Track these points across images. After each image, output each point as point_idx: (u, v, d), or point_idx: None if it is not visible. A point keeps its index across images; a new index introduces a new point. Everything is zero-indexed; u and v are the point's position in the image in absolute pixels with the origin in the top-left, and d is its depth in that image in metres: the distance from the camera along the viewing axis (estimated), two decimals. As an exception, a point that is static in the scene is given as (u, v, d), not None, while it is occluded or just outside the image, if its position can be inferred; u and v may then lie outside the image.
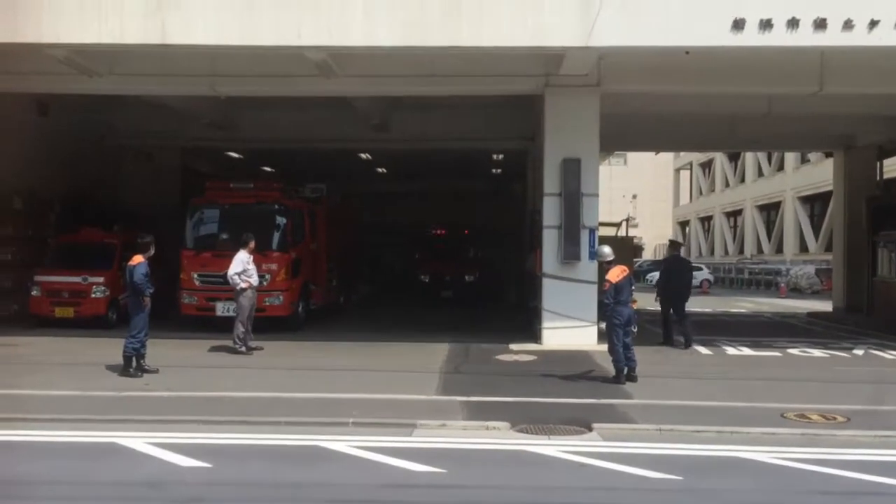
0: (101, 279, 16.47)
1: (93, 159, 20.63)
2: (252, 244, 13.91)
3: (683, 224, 69.59)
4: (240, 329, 13.41)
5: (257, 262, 15.73)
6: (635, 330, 11.46)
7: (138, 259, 11.35)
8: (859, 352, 14.94)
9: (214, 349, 13.76)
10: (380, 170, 30.78)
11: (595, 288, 14.82)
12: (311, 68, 14.22)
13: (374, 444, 7.87)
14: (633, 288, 11.63)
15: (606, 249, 11.69)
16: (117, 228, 17.67)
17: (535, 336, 15.31)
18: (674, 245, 17.65)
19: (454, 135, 22.05)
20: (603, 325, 11.42)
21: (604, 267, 11.58)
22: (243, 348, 13.36)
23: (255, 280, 13.83)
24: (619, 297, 11.12)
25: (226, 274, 13.75)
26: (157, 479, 6.77)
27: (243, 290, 13.49)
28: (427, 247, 26.85)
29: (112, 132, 21.51)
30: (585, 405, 9.73)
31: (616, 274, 11.21)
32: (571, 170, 14.85)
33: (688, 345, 14.92)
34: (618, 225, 26.55)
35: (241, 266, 13.60)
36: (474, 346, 14.73)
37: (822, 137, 24.12)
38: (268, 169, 29.48)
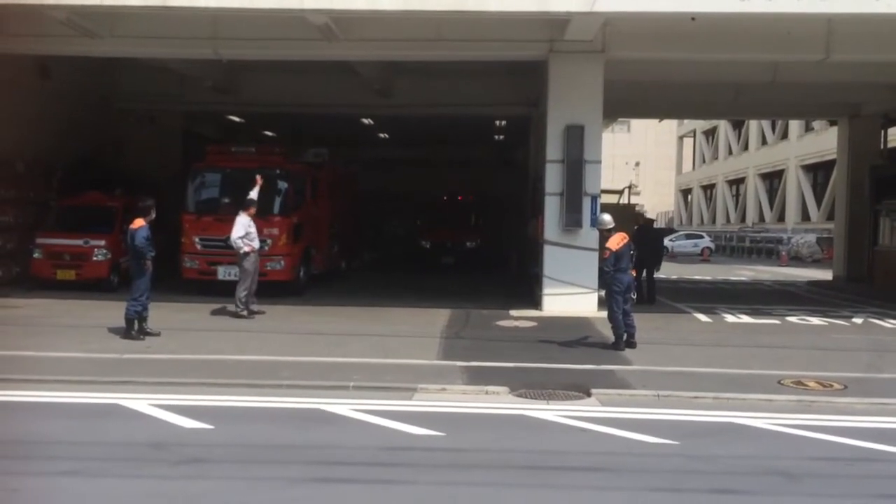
0: (102, 242, 16.50)
1: (95, 123, 20.54)
2: (253, 208, 13.90)
3: (686, 192, 69.47)
4: (242, 293, 13.45)
5: (259, 227, 15.73)
6: (634, 296, 11.52)
7: (140, 223, 11.36)
8: (858, 320, 15.00)
9: (216, 312, 13.83)
10: (382, 135, 30.68)
11: (596, 255, 14.85)
12: (313, 32, 14.10)
13: (374, 408, 7.96)
14: (633, 254, 11.66)
15: (606, 217, 11.66)
16: (119, 192, 17.66)
17: (536, 302, 15.37)
18: (640, 217, 17.63)
19: (457, 101, 21.94)
20: (603, 293, 11.45)
21: (604, 235, 11.57)
22: (245, 312, 13.42)
23: (256, 244, 13.84)
24: (619, 265, 11.15)
25: (227, 238, 13.77)
26: (160, 440, 6.86)
27: (246, 254, 13.53)
28: (429, 213, 26.80)
29: (114, 95, 21.40)
30: (584, 371, 9.81)
31: (616, 241, 11.22)
32: (574, 136, 14.80)
33: (651, 301, 16.21)
34: (620, 192, 26.57)
35: (243, 230, 13.61)
36: (475, 311, 14.80)
37: (826, 106, 23.99)
38: (270, 133, 29.40)
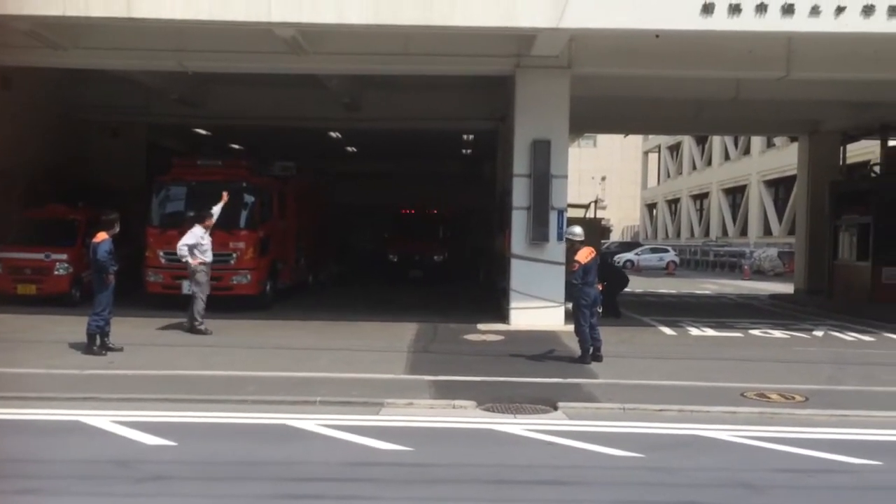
0: (64, 256, 16.25)
1: (58, 134, 20.26)
2: (210, 221, 13.61)
3: (651, 206, 70.28)
4: (200, 306, 13.16)
5: (225, 241, 15.67)
6: (600, 311, 11.58)
7: (102, 236, 11.20)
8: (819, 333, 15.26)
9: (180, 327, 13.65)
10: (350, 149, 30.64)
11: (563, 269, 14.95)
12: (281, 45, 14.08)
13: (341, 423, 7.91)
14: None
15: (577, 230, 11.67)
16: (82, 205, 17.41)
17: (503, 316, 15.42)
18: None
19: (425, 115, 22.02)
20: (570, 306, 11.49)
21: (574, 247, 11.51)
22: (203, 326, 13.11)
23: (208, 257, 13.51)
24: (587, 279, 11.20)
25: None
26: (122, 458, 6.75)
27: (192, 266, 13.22)
28: (396, 226, 26.71)
29: (78, 107, 21.13)
30: (551, 384, 9.84)
31: (585, 255, 11.26)
32: (541, 151, 14.92)
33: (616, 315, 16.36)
34: (586, 206, 26.72)
35: (194, 240, 13.28)
36: (442, 325, 14.79)
37: (787, 122, 24.45)
38: (236, 146, 29.21)
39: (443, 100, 21.29)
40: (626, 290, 18.43)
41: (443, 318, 15.60)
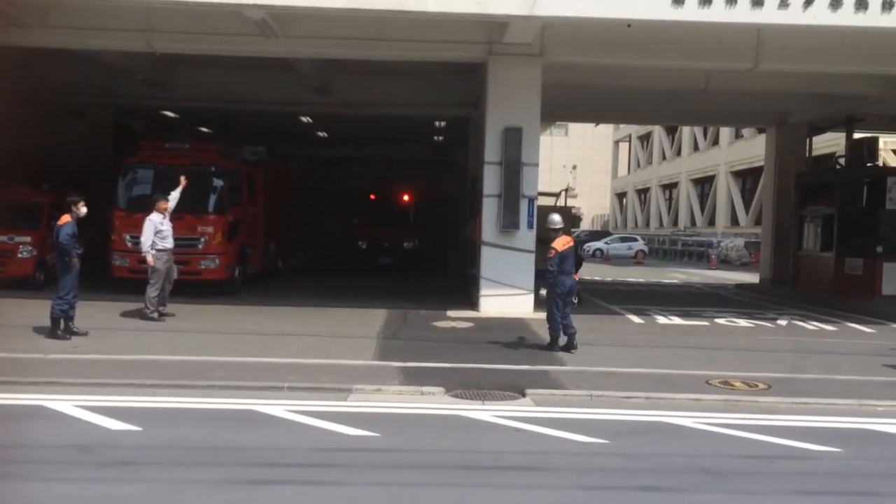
0: (28, 239, 15.98)
1: (21, 115, 19.83)
2: (164, 204, 13.25)
3: (621, 195, 70.74)
4: (153, 293, 12.89)
5: (193, 225, 15.52)
6: (576, 301, 11.53)
7: (66, 219, 11.03)
8: (783, 322, 15.51)
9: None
10: (321, 134, 30.42)
11: (532, 257, 15.03)
12: (250, 28, 13.92)
13: (309, 409, 7.89)
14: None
15: (556, 217, 11.58)
16: (46, 187, 17.11)
17: (473, 303, 15.46)
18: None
19: (397, 100, 21.91)
20: (543, 293, 11.46)
21: (550, 235, 11.43)
22: (155, 314, 12.88)
23: (169, 244, 13.21)
24: (563, 267, 11.15)
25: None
26: (85, 442, 6.68)
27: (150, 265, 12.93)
28: (365, 212, 26.52)
29: (43, 88, 20.70)
30: (519, 371, 9.90)
31: (562, 243, 11.22)
32: (512, 139, 14.93)
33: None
34: (557, 195, 26.80)
35: (153, 230, 12.94)
36: (412, 312, 14.80)
37: (755, 114, 24.72)
38: (205, 130, 28.86)
39: (415, 86, 21.19)
40: (596, 278, 18.59)
41: (413, 305, 15.61)
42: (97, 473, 6.01)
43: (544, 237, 15.17)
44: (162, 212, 13.21)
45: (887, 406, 8.77)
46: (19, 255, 15.97)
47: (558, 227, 11.42)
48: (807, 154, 23.22)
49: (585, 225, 64.18)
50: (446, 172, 30.49)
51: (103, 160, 22.06)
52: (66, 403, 7.81)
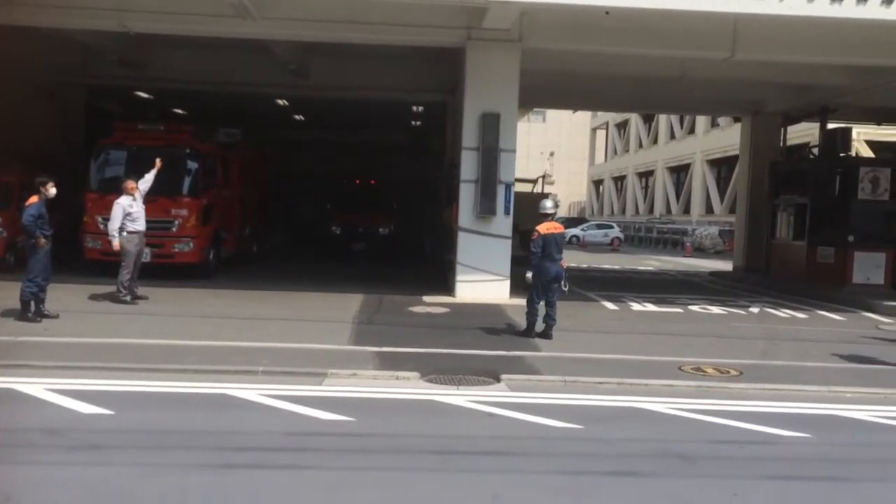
0: (-3, 220, 15.73)
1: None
2: (131, 185, 13.02)
3: (598, 183, 71.04)
4: (124, 276, 12.74)
5: (167, 207, 15.38)
6: (566, 289, 11.33)
7: (33, 200, 10.86)
8: (755, 310, 15.68)
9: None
10: (297, 117, 30.20)
11: (509, 243, 15.06)
12: (226, 8, 13.73)
13: (283, 393, 7.87)
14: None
15: (548, 203, 11.48)
16: (15, 167, 16.82)
17: (449, 289, 15.47)
18: None
19: (374, 84, 21.73)
20: (529, 276, 11.19)
21: (539, 220, 11.27)
22: (128, 297, 12.75)
23: (140, 226, 13.05)
24: (548, 251, 10.97)
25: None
26: (57, 426, 6.61)
27: (116, 247, 12.76)
28: (340, 197, 25.91)
29: (13, 66, 20.29)
30: (494, 357, 9.94)
31: (545, 227, 11.04)
32: (490, 124, 14.91)
33: None
34: (534, 181, 26.89)
35: (122, 214, 12.74)
36: (388, 297, 14.78)
37: (731, 103, 24.86)
38: (180, 111, 28.52)
39: (392, 70, 21.06)
40: (572, 265, 18.65)
41: (388, 290, 15.59)
42: (68, 457, 5.95)
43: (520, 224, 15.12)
44: (131, 193, 13.01)
45: (855, 392, 8.91)
46: (-12, 237, 15.72)
47: (549, 212, 11.29)
48: (781, 143, 23.45)
49: (562, 212, 64.31)
50: (424, 157, 30.42)
51: (75, 141, 21.74)
52: (36, 386, 7.72)
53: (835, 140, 20.88)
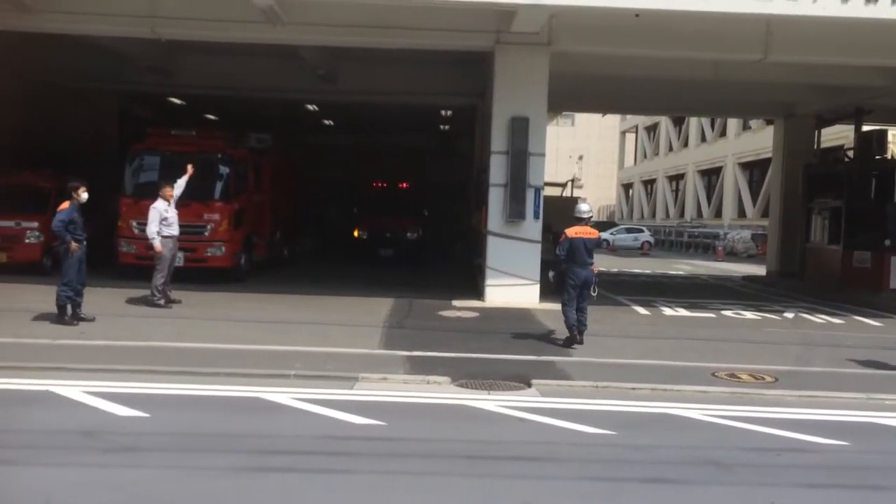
0: (35, 224, 16.01)
1: (27, 101, 19.84)
2: (169, 191, 13.22)
3: (627, 186, 70.57)
4: (158, 280, 12.88)
5: (200, 212, 15.54)
6: (594, 294, 11.09)
7: (64, 206, 11.03)
8: (789, 315, 15.46)
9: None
10: (327, 122, 30.39)
11: (539, 247, 15.01)
12: (256, 15, 13.87)
13: (315, 397, 7.90)
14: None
15: (584, 206, 11.27)
16: (52, 172, 17.12)
17: (479, 293, 15.44)
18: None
19: (403, 89, 21.85)
20: (550, 275, 10.98)
21: (572, 223, 11.01)
22: (161, 300, 12.88)
23: (175, 230, 13.21)
24: (575, 256, 10.75)
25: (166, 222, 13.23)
26: (92, 428, 6.69)
27: (156, 253, 12.95)
28: (367, 201, 25.32)
29: (48, 73, 20.69)
30: (525, 361, 9.89)
31: (575, 230, 10.80)
32: (519, 128, 14.88)
33: None
34: (563, 185, 26.78)
35: (159, 218, 12.92)
36: (417, 301, 14.79)
37: (764, 105, 24.59)
38: (211, 117, 28.85)
39: (421, 74, 21.13)
40: (602, 269, 18.54)
41: (418, 294, 15.59)
42: (104, 459, 6.02)
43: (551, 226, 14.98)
44: (167, 199, 13.21)
45: (895, 400, 8.73)
46: (26, 241, 16.01)
47: (584, 216, 11.03)
48: (815, 146, 23.12)
49: (592, 216, 63.98)
50: (453, 161, 30.42)
51: (109, 146, 22.07)
52: (73, 389, 7.83)
53: (870, 142, 20.53)
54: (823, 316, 15.37)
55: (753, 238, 38.19)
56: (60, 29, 15.89)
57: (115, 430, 6.71)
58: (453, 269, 21.74)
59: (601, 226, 49.69)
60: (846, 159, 21.97)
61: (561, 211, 12.10)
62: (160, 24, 14.71)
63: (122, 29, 15.47)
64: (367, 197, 25.88)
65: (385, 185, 26.64)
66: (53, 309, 11.13)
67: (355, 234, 23.37)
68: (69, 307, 11.03)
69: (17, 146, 18.89)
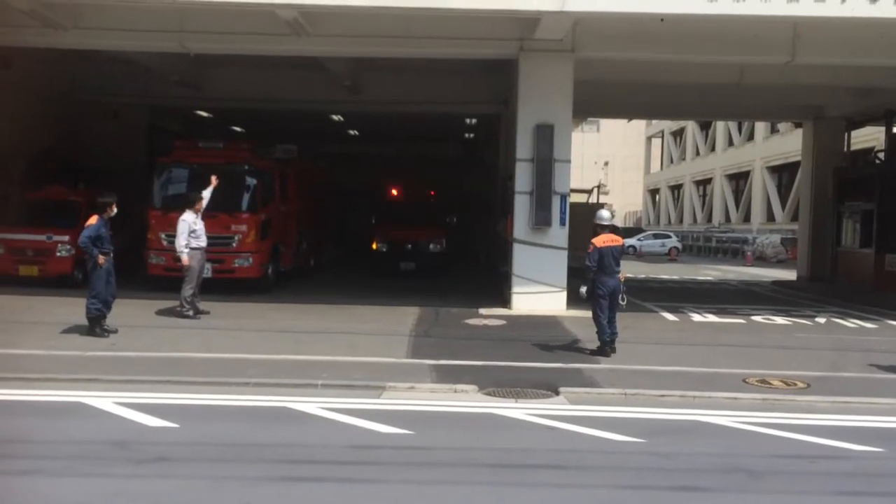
0: (66, 237, 16.22)
1: (57, 115, 20.19)
2: (200, 204, 13.37)
3: (654, 192, 70.12)
4: (187, 292, 12.97)
5: (227, 223, 15.68)
6: (624, 303, 10.98)
7: (92, 220, 11.17)
8: (821, 320, 15.24)
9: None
10: (352, 132, 30.56)
11: (565, 254, 14.94)
12: (282, 27, 14.00)
13: (342, 406, 7.91)
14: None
15: (605, 213, 11.19)
16: (82, 186, 17.38)
17: (505, 301, 15.40)
18: None
19: (427, 98, 21.89)
20: (583, 290, 10.92)
21: (595, 231, 10.92)
22: (190, 311, 12.97)
23: (203, 242, 13.30)
24: (604, 265, 10.60)
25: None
26: (124, 439, 6.76)
27: (184, 265, 13.03)
28: (385, 210, 23.18)
29: (78, 88, 21.05)
30: (553, 369, 9.84)
31: (602, 240, 10.68)
32: (544, 135, 14.85)
33: None
34: (589, 192, 26.63)
35: (187, 230, 13.03)
36: (444, 310, 14.79)
37: (792, 108, 24.33)
38: (238, 129, 29.13)
39: (445, 83, 21.18)
40: (629, 275, 18.41)
41: (444, 303, 15.59)
42: (135, 469, 6.08)
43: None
44: (196, 211, 13.35)
45: (931, 405, 8.57)
46: (58, 254, 16.24)
47: (605, 223, 10.93)
48: (845, 148, 22.84)
49: (618, 222, 63.64)
50: (478, 169, 30.39)
51: (137, 159, 22.36)
52: (104, 400, 7.92)
53: (902, 144, 20.24)
54: (855, 321, 15.14)
55: (783, 242, 37.75)
56: (93, 45, 16.19)
57: (146, 440, 6.78)
58: (479, 277, 21.70)
59: (628, 232, 49.51)
60: (877, 161, 21.67)
61: (587, 217, 11.99)
62: (189, 39, 14.90)
63: (152, 44, 15.69)
64: (383, 205, 23.74)
65: (403, 191, 24.65)
66: (84, 321, 11.27)
67: (373, 246, 21.70)
68: (99, 319, 11.16)
69: (47, 160, 19.20)
